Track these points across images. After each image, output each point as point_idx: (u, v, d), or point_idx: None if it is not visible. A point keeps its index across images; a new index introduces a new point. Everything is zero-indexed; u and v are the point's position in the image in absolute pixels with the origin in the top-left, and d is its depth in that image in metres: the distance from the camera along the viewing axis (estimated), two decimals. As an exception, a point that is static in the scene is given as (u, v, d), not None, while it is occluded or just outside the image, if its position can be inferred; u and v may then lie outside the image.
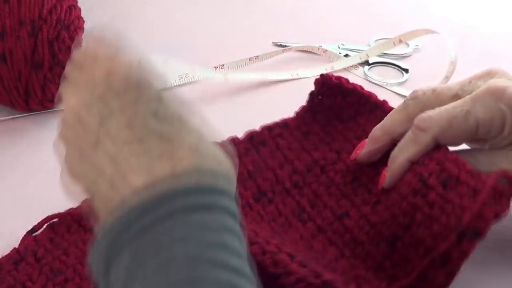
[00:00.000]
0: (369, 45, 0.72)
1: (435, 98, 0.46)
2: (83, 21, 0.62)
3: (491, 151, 0.45)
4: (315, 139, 0.54)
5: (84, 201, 0.50)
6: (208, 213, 0.31)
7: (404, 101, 0.47)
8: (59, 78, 0.60)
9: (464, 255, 0.40)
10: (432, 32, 0.67)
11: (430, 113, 0.44)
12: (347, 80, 0.54)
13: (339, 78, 0.54)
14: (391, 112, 0.48)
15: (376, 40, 0.73)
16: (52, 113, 0.62)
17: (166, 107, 0.34)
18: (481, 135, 0.44)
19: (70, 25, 0.59)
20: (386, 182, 0.46)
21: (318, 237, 0.48)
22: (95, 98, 0.34)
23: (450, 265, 0.40)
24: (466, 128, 0.43)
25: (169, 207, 0.30)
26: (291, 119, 0.56)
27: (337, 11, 0.80)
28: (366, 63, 0.69)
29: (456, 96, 0.45)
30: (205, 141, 0.34)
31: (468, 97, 0.44)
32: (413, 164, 0.45)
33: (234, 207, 0.33)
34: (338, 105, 0.54)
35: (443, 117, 0.44)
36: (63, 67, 0.59)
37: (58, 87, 0.61)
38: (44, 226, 0.49)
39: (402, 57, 0.71)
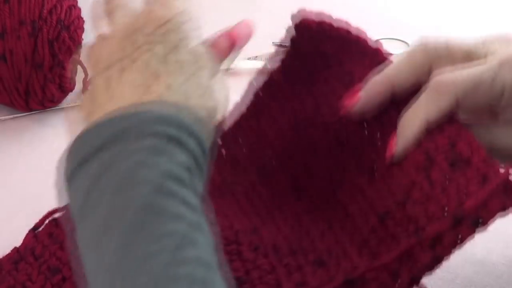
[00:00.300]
0: (369, 45, 0.72)
1: (446, 56, 0.41)
2: (83, 21, 0.62)
3: (507, 125, 0.41)
4: (300, 91, 0.47)
5: None
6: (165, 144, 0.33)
7: (411, 49, 0.42)
8: (59, 78, 0.60)
9: (458, 241, 0.36)
10: None
11: (452, 76, 0.40)
12: (330, 24, 0.46)
13: (320, 23, 0.46)
14: (395, 61, 0.43)
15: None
16: (52, 112, 0.62)
17: (178, 53, 0.38)
18: (503, 104, 0.40)
19: (70, 25, 0.59)
20: (398, 150, 0.41)
21: (310, 213, 0.45)
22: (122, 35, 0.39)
23: (439, 248, 0.36)
24: (492, 95, 0.39)
25: (129, 129, 0.34)
26: (277, 70, 0.48)
27: (337, 11, 0.80)
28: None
29: (468, 57, 0.41)
30: (193, 85, 0.38)
31: (494, 61, 0.39)
32: (431, 130, 0.40)
33: (198, 150, 0.35)
34: (324, 48, 0.46)
35: (467, 81, 0.39)
36: (63, 67, 0.59)
37: (58, 87, 0.61)
38: (46, 222, 0.49)
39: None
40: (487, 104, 0.40)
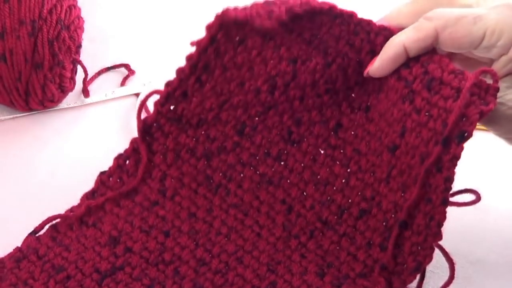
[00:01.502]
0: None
1: (448, 2, 0.44)
2: (83, 21, 0.62)
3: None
4: (256, 44, 0.47)
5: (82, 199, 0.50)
6: None
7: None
8: (59, 78, 0.60)
9: (454, 158, 0.40)
10: None
11: (438, 10, 0.42)
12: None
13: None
14: (398, 6, 0.46)
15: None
16: (52, 112, 0.62)
17: None
18: (483, 49, 0.42)
19: (70, 25, 0.59)
20: (374, 65, 0.44)
21: (319, 161, 0.47)
22: None
23: (444, 170, 0.40)
24: (472, 32, 0.41)
25: None
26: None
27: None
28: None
29: (469, 6, 0.44)
30: None
31: (482, 7, 0.42)
32: (406, 51, 0.42)
33: None
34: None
35: (452, 13, 0.42)
36: (63, 67, 0.59)
37: (58, 87, 0.61)
38: (46, 227, 0.49)
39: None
40: (467, 41, 0.42)
